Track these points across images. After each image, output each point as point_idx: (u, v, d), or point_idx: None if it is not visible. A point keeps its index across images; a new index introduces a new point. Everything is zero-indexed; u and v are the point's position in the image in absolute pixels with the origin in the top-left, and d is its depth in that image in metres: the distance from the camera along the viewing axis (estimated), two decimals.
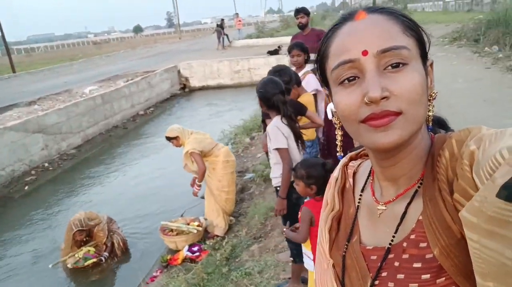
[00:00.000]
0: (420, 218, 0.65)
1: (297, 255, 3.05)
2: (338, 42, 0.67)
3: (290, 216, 2.99)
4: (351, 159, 0.89)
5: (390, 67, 0.62)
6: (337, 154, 0.84)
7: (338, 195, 0.84)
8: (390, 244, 0.69)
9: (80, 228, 4.93)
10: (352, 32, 0.65)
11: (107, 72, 18.21)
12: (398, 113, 0.61)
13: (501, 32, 11.87)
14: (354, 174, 0.85)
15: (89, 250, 5.01)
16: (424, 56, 0.68)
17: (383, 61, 0.62)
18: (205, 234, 5.11)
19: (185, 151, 4.80)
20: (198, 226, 5.09)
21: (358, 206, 0.80)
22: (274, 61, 16.03)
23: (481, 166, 0.52)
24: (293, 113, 3.14)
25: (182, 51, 27.22)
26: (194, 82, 16.92)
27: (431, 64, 0.70)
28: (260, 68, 16.03)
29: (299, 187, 2.58)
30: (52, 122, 9.46)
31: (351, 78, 0.64)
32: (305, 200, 2.62)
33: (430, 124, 0.72)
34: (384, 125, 0.61)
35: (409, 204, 0.68)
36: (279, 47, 17.64)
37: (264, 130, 3.49)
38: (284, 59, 13.96)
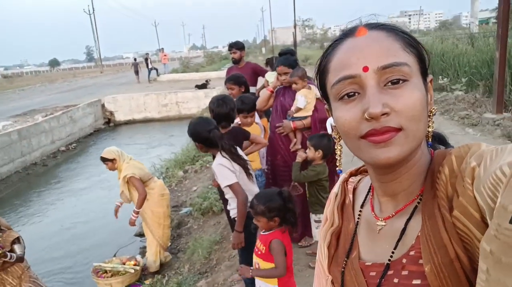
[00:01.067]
0: (419, 234, 0.65)
1: None
2: (338, 58, 0.67)
3: (246, 248, 2.92)
4: (351, 175, 0.89)
5: (390, 84, 0.63)
6: (337, 169, 0.83)
7: (338, 211, 0.84)
8: (389, 260, 0.68)
9: None
10: (352, 48, 0.66)
11: (22, 106, 17.03)
12: (398, 130, 0.61)
13: None
14: (354, 189, 0.85)
15: None
16: (424, 72, 0.68)
17: (384, 77, 0.63)
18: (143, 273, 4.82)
19: (124, 175, 4.52)
20: (134, 264, 4.78)
21: (357, 221, 0.79)
22: (202, 95, 16.12)
23: (482, 183, 0.52)
24: (234, 144, 3.11)
25: (105, 85, 26.40)
26: (120, 116, 16.38)
27: (431, 81, 0.71)
28: (189, 101, 16.01)
29: (261, 222, 2.49)
30: None
31: (351, 93, 0.64)
32: (263, 233, 2.54)
33: (430, 140, 0.72)
34: (384, 141, 0.61)
35: (408, 220, 0.68)
36: (207, 81, 17.81)
37: None
38: (212, 93, 14.06)
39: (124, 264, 4.81)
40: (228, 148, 3.00)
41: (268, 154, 3.97)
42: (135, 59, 29.99)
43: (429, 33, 31.57)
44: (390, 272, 0.67)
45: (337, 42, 0.70)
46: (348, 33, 0.69)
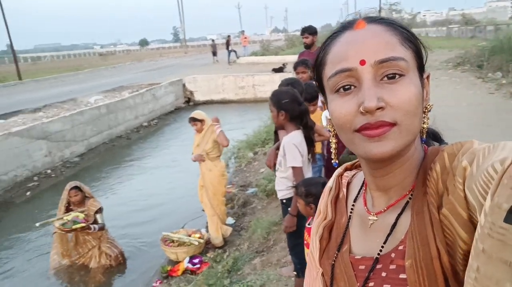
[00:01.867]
0: (408, 229, 0.66)
1: (300, 270, 3.04)
2: (336, 51, 0.67)
3: (295, 233, 2.99)
4: (346, 169, 0.89)
5: (386, 78, 0.63)
6: (332, 161, 0.84)
7: (331, 205, 0.84)
8: (378, 254, 0.69)
9: (77, 185, 4.83)
10: (350, 41, 0.66)
11: (112, 83, 18.37)
12: (393, 124, 0.61)
13: (505, 59, 12.01)
14: (348, 184, 0.86)
15: (78, 215, 4.78)
16: (421, 68, 0.68)
17: (380, 71, 0.63)
18: (206, 246, 5.10)
19: (218, 131, 4.78)
20: (199, 238, 5.08)
21: (350, 215, 0.80)
22: (278, 78, 16.14)
23: (474, 180, 0.52)
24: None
25: (187, 65, 27.49)
26: (199, 96, 17.02)
27: (428, 77, 0.71)
28: (265, 85, 16.15)
29: (300, 205, 2.57)
30: (56, 129, 9.50)
31: (347, 87, 0.65)
32: (307, 225, 2.59)
33: (424, 136, 0.72)
34: (378, 135, 0.62)
35: (399, 215, 0.69)
36: (284, 64, 17.80)
37: (275, 141, 3.47)
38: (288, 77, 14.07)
39: (189, 236, 5.13)
40: (311, 126, 3.01)
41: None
42: (212, 41, 30.93)
43: None
44: (379, 266, 0.68)
45: (335, 34, 0.70)
46: (346, 26, 0.69)
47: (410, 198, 0.68)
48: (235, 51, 27.34)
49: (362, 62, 0.63)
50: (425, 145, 0.73)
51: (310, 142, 3.04)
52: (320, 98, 0.77)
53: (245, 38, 31.57)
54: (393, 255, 0.66)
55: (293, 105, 2.96)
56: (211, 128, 4.85)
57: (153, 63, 33.21)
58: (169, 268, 4.73)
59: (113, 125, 11.85)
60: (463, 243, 0.55)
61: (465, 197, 0.54)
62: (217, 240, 5.10)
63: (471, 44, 19.43)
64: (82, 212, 4.85)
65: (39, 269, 5.22)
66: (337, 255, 0.77)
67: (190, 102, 17.06)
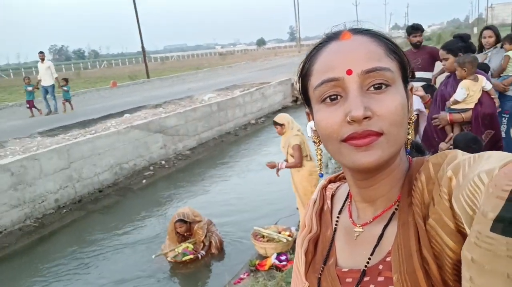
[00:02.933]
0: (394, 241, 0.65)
1: None
2: (322, 60, 0.67)
3: None
4: (330, 181, 0.89)
5: (373, 88, 0.63)
6: (318, 173, 0.84)
7: (316, 217, 0.83)
8: (366, 266, 0.68)
9: (182, 218, 5.34)
10: (337, 51, 0.66)
11: (227, 81, 19.36)
12: (379, 134, 0.61)
13: None
14: (333, 196, 0.85)
15: (187, 246, 5.39)
16: (405, 79, 0.68)
17: (367, 81, 0.63)
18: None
19: (293, 144, 4.89)
20: (288, 235, 5.15)
21: (335, 228, 0.79)
22: None
23: (461, 191, 0.51)
24: None
25: (298, 64, 27.64)
26: None
27: (411, 89, 0.70)
28: None
29: None
30: (172, 124, 10.37)
31: (333, 96, 0.64)
32: None
33: (409, 147, 0.72)
34: (365, 145, 0.61)
35: (386, 226, 0.68)
36: None
37: None
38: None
39: (279, 233, 5.23)
40: None
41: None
42: None
43: None
44: (366, 279, 0.67)
45: (321, 45, 0.70)
46: (332, 37, 0.69)
47: (396, 209, 0.68)
48: None
49: (349, 72, 0.63)
50: (409, 156, 0.73)
51: None
52: (305, 109, 0.78)
53: None
54: (380, 267, 0.66)
55: None
56: (290, 133, 4.90)
57: (266, 63, 34.16)
58: (257, 262, 4.89)
59: (223, 122, 12.52)
60: (451, 252, 0.55)
61: (451, 207, 0.54)
62: None
63: None
64: (191, 242, 5.46)
65: (146, 253, 5.79)
66: (323, 268, 0.76)
67: (297, 101, 17.20)
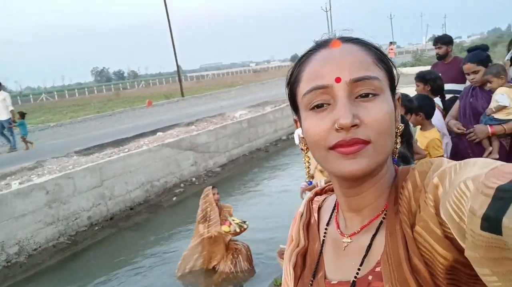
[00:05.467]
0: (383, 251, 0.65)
1: None
2: (311, 68, 0.67)
3: None
4: (316, 194, 0.88)
5: (361, 97, 0.63)
6: (306, 181, 0.83)
7: (303, 230, 0.82)
8: (355, 277, 0.67)
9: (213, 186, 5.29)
10: (326, 59, 0.66)
11: (259, 98, 19.47)
12: (367, 142, 0.61)
13: None
14: (319, 208, 0.85)
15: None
16: (392, 89, 0.68)
17: (355, 90, 0.63)
18: None
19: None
20: None
21: (323, 240, 0.79)
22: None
23: (447, 198, 0.51)
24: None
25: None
26: None
27: (399, 99, 0.71)
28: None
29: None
30: (203, 141, 10.49)
31: (322, 104, 0.65)
32: None
33: (396, 157, 0.73)
34: (352, 153, 0.61)
35: (374, 235, 0.67)
36: None
37: None
38: None
39: None
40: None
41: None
42: None
43: None
44: None
45: (310, 52, 0.70)
46: (322, 45, 0.69)
47: (383, 218, 0.68)
48: None
49: (338, 80, 0.63)
50: (395, 166, 0.73)
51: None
52: (293, 116, 0.77)
53: (391, 49, 30.36)
54: (370, 277, 0.65)
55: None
56: None
57: None
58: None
59: (253, 138, 12.54)
60: (443, 259, 0.55)
61: (437, 214, 0.54)
62: None
63: None
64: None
65: (169, 270, 5.81)
66: (312, 282, 0.76)
67: None
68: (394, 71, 0.70)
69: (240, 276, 5.36)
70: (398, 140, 0.71)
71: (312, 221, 0.84)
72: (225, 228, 5.08)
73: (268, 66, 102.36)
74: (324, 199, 0.87)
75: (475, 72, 3.28)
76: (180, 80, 27.95)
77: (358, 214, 0.72)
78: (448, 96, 4.55)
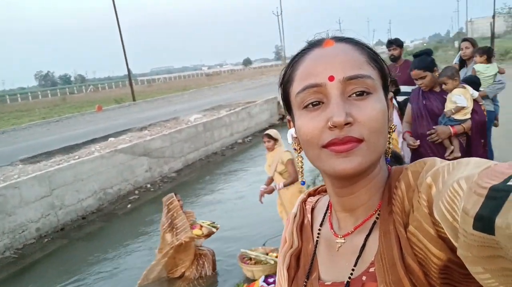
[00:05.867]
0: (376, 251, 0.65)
1: None
2: (305, 67, 0.67)
3: None
4: (309, 195, 0.89)
5: (354, 95, 0.63)
6: (299, 180, 0.82)
7: (297, 232, 0.83)
8: (349, 278, 0.67)
9: (175, 193, 5.12)
10: (319, 58, 0.66)
11: (213, 102, 19.37)
12: (360, 140, 0.61)
13: None
14: (313, 209, 0.85)
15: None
16: (385, 88, 0.68)
17: (349, 88, 0.63)
18: None
19: (286, 159, 4.80)
20: (276, 257, 5.02)
21: (317, 241, 0.79)
22: None
23: (440, 198, 0.51)
24: None
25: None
26: None
27: (391, 99, 0.71)
28: None
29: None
30: (157, 147, 10.24)
31: (315, 103, 0.65)
32: None
33: (389, 156, 0.73)
34: (346, 151, 0.61)
35: (368, 236, 0.67)
36: None
37: None
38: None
39: (267, 254, 5.11)
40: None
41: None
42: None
43: None
44: None
45: (303, 52, 0.70)
46: (315, 44, 0.70)
47: (377, 218, 0.68)
48: None
49: (331, 78, 0.63)
50: (388, 166, 0.73)
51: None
52: (286, 116, 0.78)
53: None
54: (364, 278, 0.65)
55: None
56: (280, 149, 4.83)
57: (251, 83, 34.35)
58: (244, 285, 4.75)
59: (209, 142, 12.43)
60: (436, 258, 0.55)
61: (430, 214, 0.54)
62: None
63: None
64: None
65: (129, 281, 5.60)
66: (306, 283, 0.75)
67: (284, 119, 17.21)
68: (387, 70, 0.70)
69: (204, 281, 5.26)
70: (391, 139, 0.71)
71: (305, 222, 0.84)
72: (196, 231, 4.97)
73: (221, 69, 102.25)
74: (317, 199, 0.87)
75: (423, 77, 3.42)
76: (131, 84, 27.25)
77: (352, 214, 0.72)
78: (401, 98, 4.72)
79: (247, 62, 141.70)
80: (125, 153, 9.27)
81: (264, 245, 5.65)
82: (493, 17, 29.08)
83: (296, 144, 0.76)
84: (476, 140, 3.26)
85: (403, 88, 5.03)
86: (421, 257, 0.57)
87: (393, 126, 0.71)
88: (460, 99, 3.20)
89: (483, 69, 4.86)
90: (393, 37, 5.51)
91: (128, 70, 27.17)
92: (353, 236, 0.71)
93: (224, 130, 13.28)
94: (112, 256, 6.54)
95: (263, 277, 4.76)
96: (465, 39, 5.41)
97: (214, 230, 5.03)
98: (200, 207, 8.38)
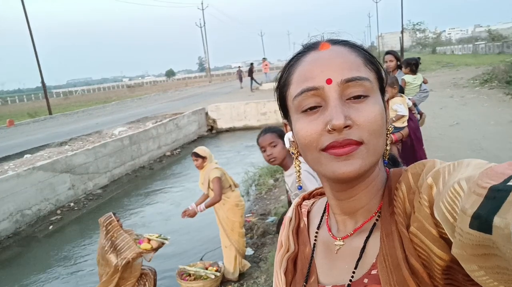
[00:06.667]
0: (378, 253, 0.64)
1: None
2: (301, 70, 0.67)
3: None
4: (304, 199, 0.88)
5: (352, 98, 0.63)
6: (296, 185, 0.81)
7: (293, 235, 0.82)
8: (350, 280, 0.66)
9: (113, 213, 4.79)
10: (316, 61, 0.66)
11: (137, 114, 18.72)
12: (359, 143, 0.61)
13: None
14: (308, 213, 0.85)
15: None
16: (381, 90, 0.69)
17: (347, 91, 0.63)
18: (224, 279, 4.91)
19: (210, 175, 4.70)
20: (216, 270, 4.90)
21: (314, 244, 0.78)
22: None
23: (441, 198, 0.51)
24: None
25: (211, 93, 27.86)
26: (222, 124, 17.09)
27: (387, 101, 0.72)
28: None
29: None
30: (80, 162, 9.63)
31: (313, 106, 0.64)
32: None
33: (386, 159, 0.73)
34: (345, 154, 0.61)
35: (367, 238, 0.67)
36: None
37: None
38: None
39: (206, 269, 4.96)
40: None
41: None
42: (239, 67, 32.81)
43: None
44: None
45: (299, 55, 0.70)
46: (310, 47, 0.69)
47: (377, 220, 0.68)
48: (254, 79, 27.60)
49: (329, 81, 0.63)
50: (386, 168, 0.73)
51: None
52: (283, 120, 0.77)
53: (266, 65, 31.86)
54: (365, 280, 0.64)
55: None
56: (209, 167, 4.75)
57: (177, 93, 33.83)
58: None
59: (136, 156, 11.95)
60: (439, 259, 0.54)
61: (431, 214, 0.54)
62: (231, 275, 4.90)
63: (498, 61, 18.94)
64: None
65: None
66: (305, 286, 0.75)
67: (213, 131, 17.14)
68: (383, 73, 0.70)
69: None
70: (388, 141, 0.71)
71: (301, 225, 0.83)
72: (144, 246, 4.68)
73: (143, 81, 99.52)
74: (313, 203, 0.86)
75: (392, 61, 3.56)
76: (46, 97, 25.43)
77: (351, 217, 0.71)
78: None
79: (170, 73, 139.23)
80: (44, 170, 8.58)
81: (202, 259, 5.51)
82: (402, 32, 31.51)
83: (294, 148, 0.75)
84: (418, 145, 3.45)
85: None
86: (424, 258, 0.57)
87: (390, 128, 0.71)
88: (400, 108, 3.37)
89: (411, 80, 5.20)
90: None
91: (43, 82, 25.33)
92: (352, 238, 0.70)
93: (151, 143, 12.85)
94: (32, 284, 5.98)
95: None
96: (388, 53, 5.67)
97: (166, 242, 4.79)
98: (130, 225, 7.99)
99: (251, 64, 29.13)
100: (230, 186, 4.87)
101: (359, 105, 0.62)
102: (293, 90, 0.67)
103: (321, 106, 0.64)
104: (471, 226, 0.43)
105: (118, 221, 4.53)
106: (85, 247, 7.14)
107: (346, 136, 0.61)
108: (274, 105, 16.84)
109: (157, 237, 4.75)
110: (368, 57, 0.68)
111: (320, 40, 0.70)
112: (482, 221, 0.42)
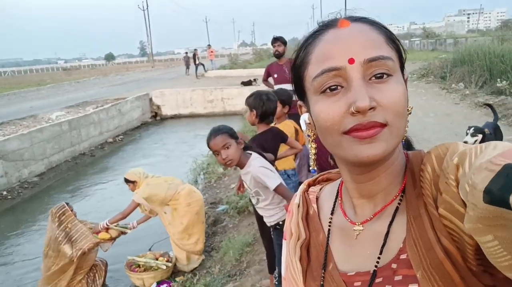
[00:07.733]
0: (406, 237, 0.62)
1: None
2: (321, 49, 0.63)
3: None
4: (309, 185, 0.86)
5: (374, 78, 0.60)
6: (310, 168, 0.78)
7: (303, 222, 0.79)
8: (376, 266, 0.64)
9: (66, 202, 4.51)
10: (336, 40, 0.62)
11: (76, 98, 17.81)
12: (384, 125, 0.59)
13: (466, 70, 12.35)
14: (317, 199, 0.82)
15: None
16: (402, 69, 0.66)
17: (369, 71, 0.60)
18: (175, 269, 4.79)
19: (133, 198, 4.55)
20: (167, 261, 4.77)
21: (328, 230, 0.75)
22: (247, 91, 16.05)
23: (467, 179, 0.50)
24: (272, 144, 3.04)
25: (155, 79, 27.09)
26: (166, 111, 16.66)
27: (406, 79, 0.69)
28: (234, 98, 16.01)
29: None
30: (14, 148, 8.96)
31: (334, 87, 0.61)
32: None
33: (404, 140, 0.69)
34: (370, 136, 0.59)
35: (391, 222, 0.65)
36: (255, 79, 17.72)
37: None
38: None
39: (157, 259, 4.81)
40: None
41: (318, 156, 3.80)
42: (186, 53, 31.58)
43: (489, 32, 29.92)
44: (378, 280, 0.63)
45: (318, 33, 0.66)
46: (329, 25, 0.65)
47: (399, 203, 0.66)
48: (203, 64, 27.31)
49: (351, 61, 0.60)
50: (404, 151, 0.71)
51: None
52: (298, 102, 0.73)
53: (212, 52, 31.48)
54: (394, 265, 0.62)
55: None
56: (141, 186, 4.61)
57: (119, 78, 32.54)
58: None
59: (76, 142, 11.34)
60: (469, 238, 0.53)
61: (459, 193, 0.53)
62: (186, 268, 4.79)
63: (433, 57, 20.06)
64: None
65: None
66: (324, 274, 0.71)
67: (157, 117, 16.68)
68: (403, 51, 0.67)
69: None
70: (407, 123, 0.68)
71: (311, 212, 0.80)
72: (102, 235, 4.44)
73: (80, 64, 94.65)
74: (321, 188, 0.84)
75: None
76: None
77: (370, 201, 0.69)
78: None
79: (109, 57, 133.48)
80: None
81: (150, 249, 5.34)
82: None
83: (310, 131, 0.72)
84: None
85: (285, 86, 5.19)
86: (457, 239, 0.56)
87: (409, 108, 0.67)
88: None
89: None
90: (276, 35, 5.64)
91: None
92: (373, 222, 0.68)
93: (92, 129, 12.25)
94: None
95: (155, 284, 4.49)
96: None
97: (126, 230, 4.58)
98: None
99: (195, 50, 28.71)
100: (174, 192, 4.69)
101: (383, 86, 0.60)
102: (312, 70, 0.64)
103: (342, 87, 0.61)
104: (484, 200, 0.44)
105: (72, 210, 4.27)
106: (19, 238, 6.68)
107: (371, 119, 0.58)
108: (221, 93, 16.76)
109: (116, 226, 4.55)
110: (389, 34, 0.65)
111: (338, 17, 0.66)
112: (494, 194, 0.43)
